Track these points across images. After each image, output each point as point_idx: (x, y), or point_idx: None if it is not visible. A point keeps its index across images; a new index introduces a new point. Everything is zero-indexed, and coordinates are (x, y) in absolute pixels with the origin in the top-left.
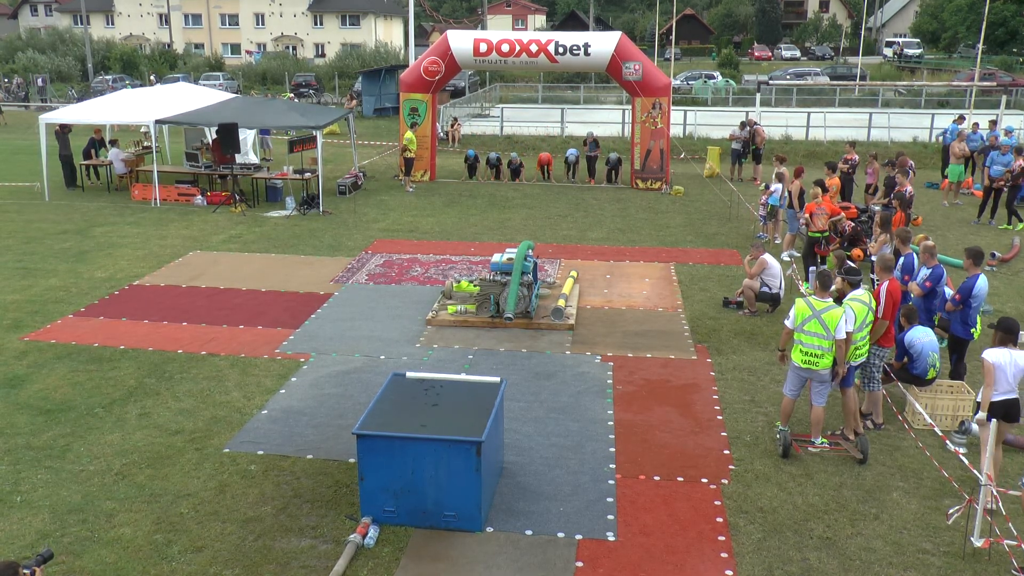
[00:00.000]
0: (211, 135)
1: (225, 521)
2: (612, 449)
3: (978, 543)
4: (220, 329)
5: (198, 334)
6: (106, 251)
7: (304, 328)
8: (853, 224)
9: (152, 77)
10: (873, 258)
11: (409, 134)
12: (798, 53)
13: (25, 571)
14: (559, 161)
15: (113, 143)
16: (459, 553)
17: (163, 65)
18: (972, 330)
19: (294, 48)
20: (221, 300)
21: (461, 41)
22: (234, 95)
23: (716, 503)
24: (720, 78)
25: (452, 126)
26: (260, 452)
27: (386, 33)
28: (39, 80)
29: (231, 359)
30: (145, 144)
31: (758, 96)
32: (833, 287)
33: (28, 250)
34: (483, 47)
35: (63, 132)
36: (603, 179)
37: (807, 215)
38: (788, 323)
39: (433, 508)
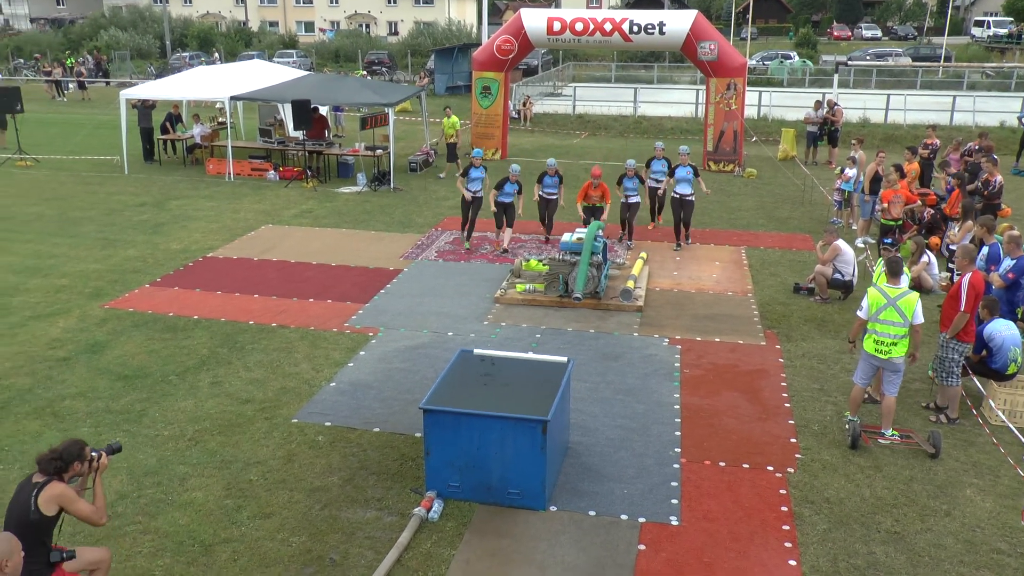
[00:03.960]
0: (286, 113)
1: (293, 489)
2: (678, 433)
3: None
4: (290, 302)
5: (269, 306)
6: (181, 223)
7: (373, 303)
8: (932, 211)
9: (216, 54)
10: (953, 247)
11: (447, 120)
12: (879, 33)
13: (93, 453)
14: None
15: (196, 118)
16: (522, 530)
17: (238, 43)
18: None
19: (367, 26)
20: (292, 273)
21: (535, 19)
22: (307, 72)
23: (781, 491)
24: (797, 58)
25: (524, 105)
26: (328, 423)
27: (459, 11)
28: (89, 60)
29: (301, 331)
30: (220, 120)
31: (836, 77)
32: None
33: (108, 221)
34: (557, 25)
35: (145, 107)
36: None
37: (884, 203)
38: (861, 313)
39: (498, 485)
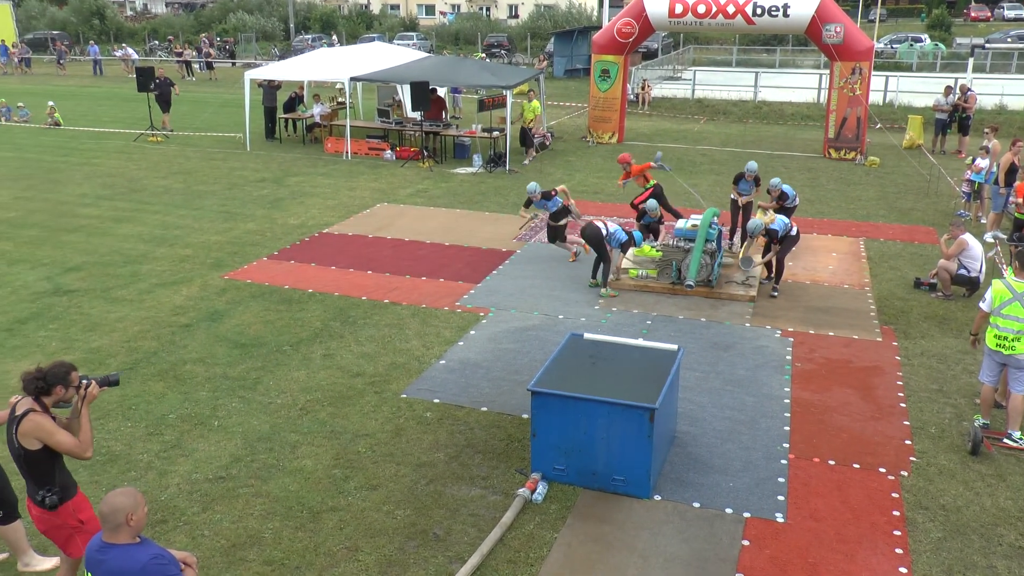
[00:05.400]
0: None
1: (400, 463)
2: (787, 428)
3: None
4: (403, 279)
5: (382, 282)
6: (299, 199)
7: (485, 283)
8: None
9: (333, 36)
10: None
11: (527, 104)
12: None
13: (83, 380)
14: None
15: (316, 98)
16: (626, 517)
17: (359, 25)
18: None
19: (487, 9)
20: (405, 251)
21: (657, 2)
22: (427, 54)
23: (893, 495)
24: (928, 41)
25: (643, 88)
26: (436, 400)
27: None
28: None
29: (412, 308)
30: (340, 100)
31: (970, 61)
32: None
33: (230, 196)
34: (679, 8)
35: (271, 87)
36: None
37: (1019, 198)
38: (984, 306)
39: (603, 470)
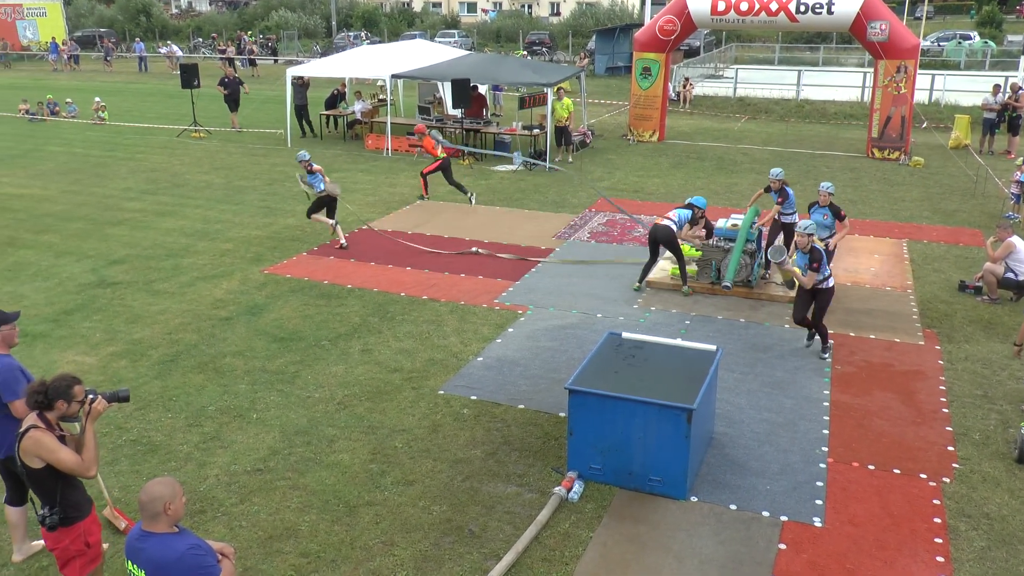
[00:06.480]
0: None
1: (436, 459)
2: (826, 431)
3: None
4: (442, 276)
5: (420, 279)
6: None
7: (524, 281)
8: None
9: (363, 34)
10: None
11: (559, 102)
12: None
13: (90, 395)
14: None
15: (358, 95)
16: (661, 518)
17: (401, 23)
18: None
19: (529, 7)
20: (444, 248)
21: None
22: (468, 52)
23: (935, 502)
24: (977, 39)
25: (684, 86)
26: (473, 397)
27: None
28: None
29: (451, 305)
30: (381, 97)
31: (1022, 59)
32: None
33: (270, 191)
34: (721, 6)
35: (301, 84)
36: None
37: None
38: None
39: (639, 471)
